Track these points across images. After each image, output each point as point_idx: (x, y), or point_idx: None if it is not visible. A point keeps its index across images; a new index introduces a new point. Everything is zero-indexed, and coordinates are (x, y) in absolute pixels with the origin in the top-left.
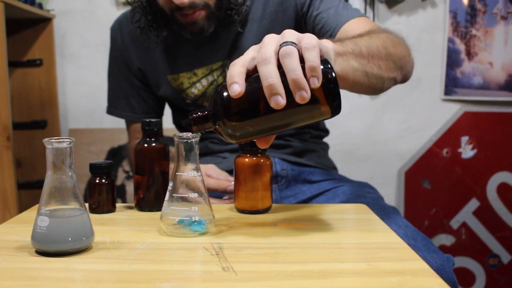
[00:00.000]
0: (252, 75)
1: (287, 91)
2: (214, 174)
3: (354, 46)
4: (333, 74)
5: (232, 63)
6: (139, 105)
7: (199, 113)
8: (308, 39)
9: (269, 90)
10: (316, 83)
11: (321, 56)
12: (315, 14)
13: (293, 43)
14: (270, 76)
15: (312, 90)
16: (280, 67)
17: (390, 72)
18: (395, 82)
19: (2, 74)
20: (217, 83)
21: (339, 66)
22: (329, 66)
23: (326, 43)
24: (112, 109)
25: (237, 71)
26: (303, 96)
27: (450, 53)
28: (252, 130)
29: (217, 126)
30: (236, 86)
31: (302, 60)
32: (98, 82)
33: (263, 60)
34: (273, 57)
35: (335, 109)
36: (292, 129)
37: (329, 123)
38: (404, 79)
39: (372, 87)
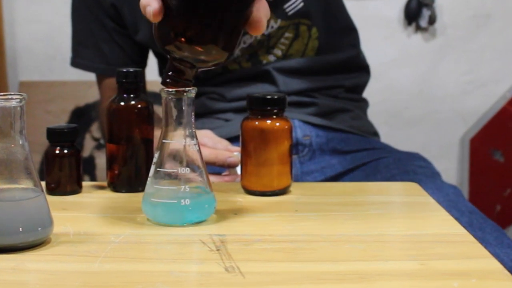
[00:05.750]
0: None
1: None
2: (210, 143)
3: None
4: None
5: None
6: (113, 53)
7: (169, 72)
8: None
9: None
10: None
11: None
12: None
13: None
14: None
15: None
16: None
17: None
18: None
19: None
20: None
21: None
22: None
23: None
24: (77, 60)
25: None
26: None
27: None
28: (211, 34)
29: (195, 67)
30: (150, 7)
31: None
32: (59, 20)
33: None
34: None
35: None
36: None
37: None
38: None
39: None
